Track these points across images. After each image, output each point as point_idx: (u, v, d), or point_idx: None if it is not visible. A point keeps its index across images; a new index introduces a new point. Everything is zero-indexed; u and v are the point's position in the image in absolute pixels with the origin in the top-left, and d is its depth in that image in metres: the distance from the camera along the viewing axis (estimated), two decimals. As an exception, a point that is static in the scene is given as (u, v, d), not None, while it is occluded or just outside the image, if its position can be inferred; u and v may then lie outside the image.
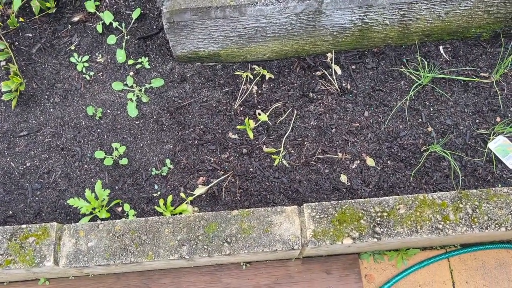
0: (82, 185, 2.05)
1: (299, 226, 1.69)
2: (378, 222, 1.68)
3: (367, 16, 2.03)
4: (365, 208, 1.70)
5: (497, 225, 1.67)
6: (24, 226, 1.72)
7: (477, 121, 2.11)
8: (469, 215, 1.68)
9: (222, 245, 1.66)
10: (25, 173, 2.08)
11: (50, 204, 2.02)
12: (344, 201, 1.71)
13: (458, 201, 1.71)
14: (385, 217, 1.68)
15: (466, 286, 1.96)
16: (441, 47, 2.25)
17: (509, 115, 2.11)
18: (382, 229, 1.66)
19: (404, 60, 2.22)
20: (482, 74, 2.19)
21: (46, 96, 2.21)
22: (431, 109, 2.13)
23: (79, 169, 2.07)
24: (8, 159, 2.10)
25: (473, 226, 1.67)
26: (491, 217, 1.68)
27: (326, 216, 1.69)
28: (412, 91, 2.15)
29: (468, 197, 1.72)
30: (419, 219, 1.68)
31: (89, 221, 1.97)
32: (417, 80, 2.17)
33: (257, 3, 1.92)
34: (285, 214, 1.72)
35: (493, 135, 2.07)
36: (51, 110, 2.18)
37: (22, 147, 2.12)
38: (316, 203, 1.72)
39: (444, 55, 2.23)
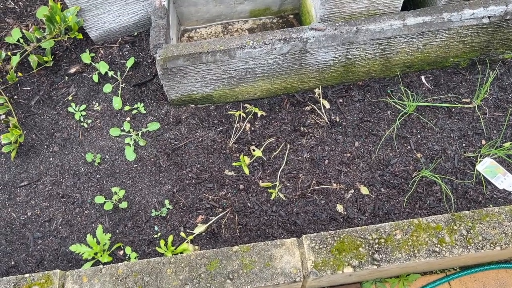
0: (84, 231, 2.07)
1: (299, 258, 1.72)
2: (376, 249, 1.71)
3: (350, 52, 2.15)
4: (362, 236, 1.74)
5: (492, 245, 1.71)
6: (27, 275, 1.72)
7: (463, 145, 2.19)
8: (464, 236, 1.72)
9: (224, 281, 1.68)
10: (26, 222, 2.10)
11: (52, 252, 2.03)
12: (341, 230, 1.75)
13: (452, 223, 1.75)
14: (383, 244, 1.72)
15: (469, 308, 1.97)
16: (422, 77, 2.36)
17: (493, 137, 2.20)
18: (381, 256, 1.69)
19: (389, 91, 2.33)
20: (464, 100, 2.29)
21: (45, 146, 2.27)
22: (419, 136, 2.21)
23: (79, 215, 2.11)
24: (9, 210, 2.13)
25: (469, 247, 1.70)
26: (485, 236, 1.72)
27: (325, 246, 1.72)
28: (398, 120, 2.24)
29: (462, 219, 1.76)
30: (415, 243, 1.72)
31: (92, 266, 1.98)
32: (402, 109, 2.26)
33: (245, 46, 2.03)
34: (285, 247, 1.74)
35: (480, 158, 2.14)
36: (51, 159, 2.24)
37: (23, 197, 2.16)
38: (315, 234, 1.75)
39: (426, 84, 2.34)
